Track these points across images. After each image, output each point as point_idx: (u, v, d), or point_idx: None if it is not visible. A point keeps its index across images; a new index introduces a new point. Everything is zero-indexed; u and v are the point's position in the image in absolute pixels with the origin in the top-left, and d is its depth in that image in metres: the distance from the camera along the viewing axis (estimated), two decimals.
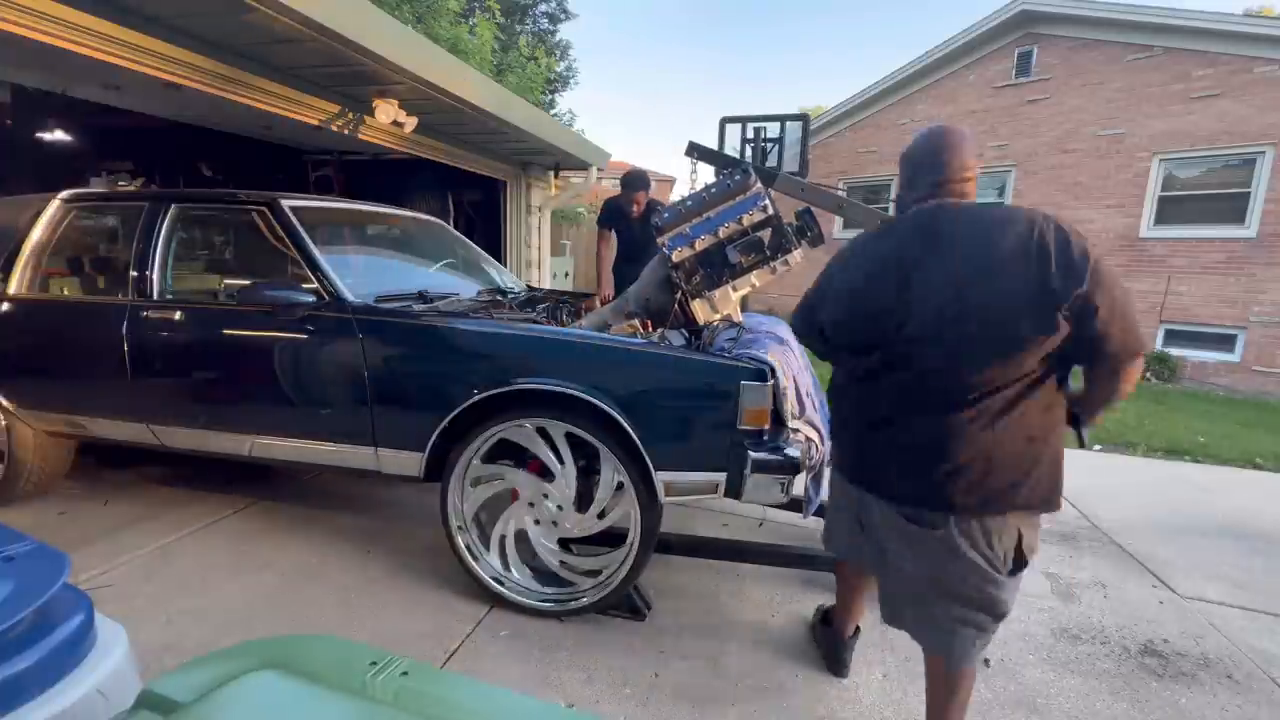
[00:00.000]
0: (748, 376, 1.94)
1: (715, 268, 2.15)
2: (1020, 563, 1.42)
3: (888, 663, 2.08)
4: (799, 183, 2.45)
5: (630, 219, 4.37)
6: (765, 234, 2.12)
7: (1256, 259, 7.67)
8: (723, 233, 2.14)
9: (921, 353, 1.37)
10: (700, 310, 2.18)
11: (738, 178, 2.19)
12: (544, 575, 2.28)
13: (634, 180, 4.32)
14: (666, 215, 2.21)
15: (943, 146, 1.48)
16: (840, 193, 2.65)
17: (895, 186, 11.17)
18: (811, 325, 1.65)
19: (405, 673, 0.81)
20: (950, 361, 1.33)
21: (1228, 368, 7.96)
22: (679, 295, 2.18)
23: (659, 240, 2.18)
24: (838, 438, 1.70)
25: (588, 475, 2.17)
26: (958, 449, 1.34)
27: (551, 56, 15.62)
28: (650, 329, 2.38)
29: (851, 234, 11.47)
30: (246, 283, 2.46)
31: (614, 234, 4.63)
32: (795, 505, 2.60)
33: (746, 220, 2.13)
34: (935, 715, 1.57)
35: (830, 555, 1.93)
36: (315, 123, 4.31)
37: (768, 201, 2.16)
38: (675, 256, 2.13)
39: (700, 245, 2.14)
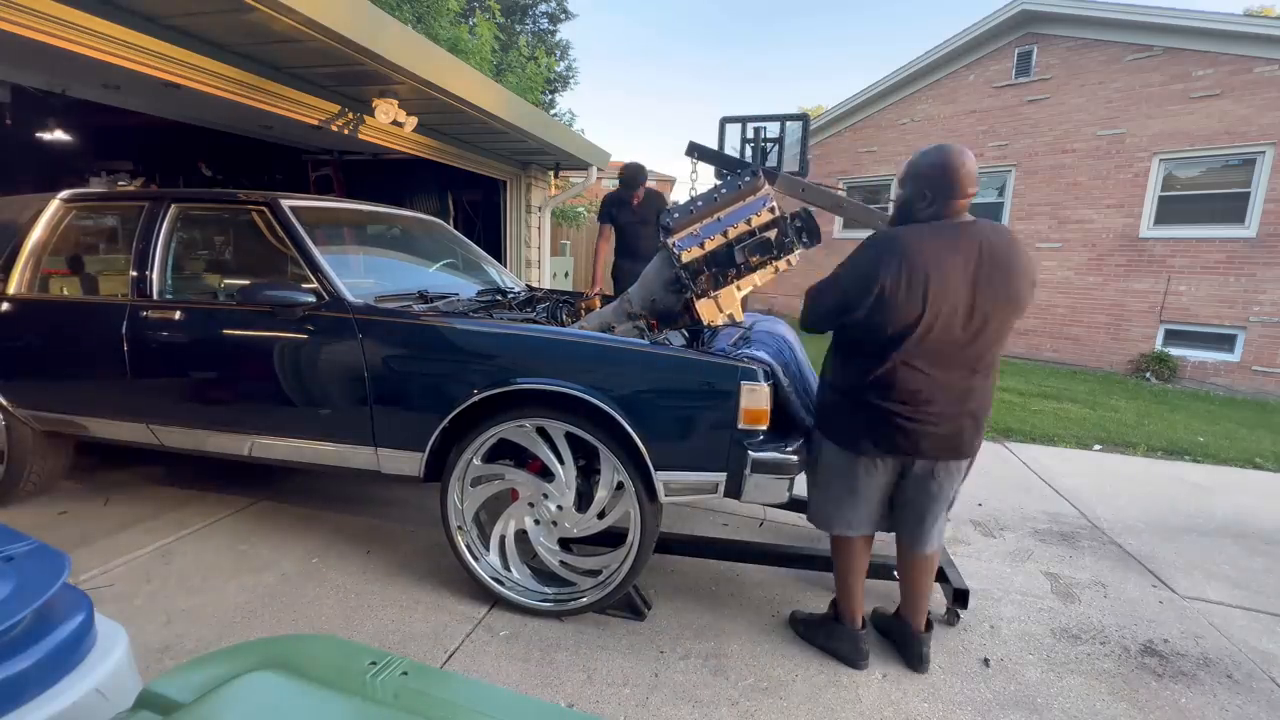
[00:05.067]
0: (747, 376, 1.94)
1: (722, 268, 2.14)
2: None
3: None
4: (799, 183, 2.45)
5: (631, 208, 4.48)
6: (772, 234, 2.12)
7: (1256, 259, 7.67)
8: (731, 233, 2.13)
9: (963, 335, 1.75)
10: (707, 310, 2.18)
11: (747, 179, 2.19)
12: (544, 575, 2.28)
13: (633, 177, 4.43)
14: (676, 215, 2.19)
15: (959, 165, 1.75)
16: (840, 193, 2.65)
17: (895, 187, 11.20)
18: (839, 313, 1.86)
19: (405, 673, 0.82)
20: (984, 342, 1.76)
21: (1227, 368, 7.96)
22: (686, 295, 2.18)
23: (668, 241, 2.17)
24: (869, 421, 1.86)
25: (588, 475, 2.17)
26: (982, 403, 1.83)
27: (551, 56, 15.64)
28: (657, 329, 2.38)
29: (852, 234, 11.47)
30: (246, 283, 2.46)
31: (613, 230, 4.66)
32: (795, 505, 2.62)
33: (755, 220, 2.13)
34: (921, 595, 2.06)
35: (826, 554, 1.95)
36: (315, 123, 4.31)
37: (775, 202, 2.17)
38: (684, 257, 2.13)
39: (709, 245, 2.14)
